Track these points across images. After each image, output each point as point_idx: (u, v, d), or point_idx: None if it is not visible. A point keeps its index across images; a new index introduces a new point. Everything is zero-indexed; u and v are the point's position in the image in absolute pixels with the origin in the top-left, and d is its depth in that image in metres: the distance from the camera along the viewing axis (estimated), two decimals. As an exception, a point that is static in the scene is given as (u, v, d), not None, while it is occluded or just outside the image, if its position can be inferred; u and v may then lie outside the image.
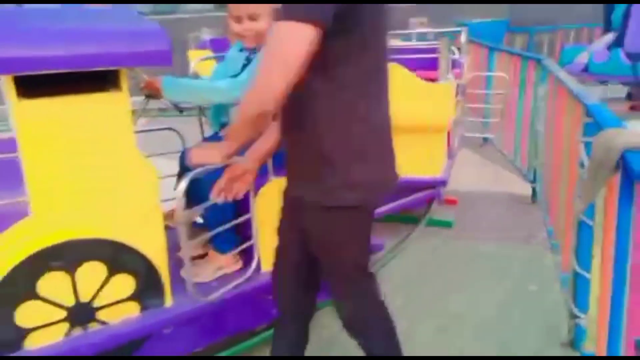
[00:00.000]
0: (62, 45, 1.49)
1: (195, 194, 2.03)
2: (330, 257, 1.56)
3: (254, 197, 1.94)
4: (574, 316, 2.02)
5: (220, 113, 2.22)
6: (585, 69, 4.88)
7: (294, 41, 1.19)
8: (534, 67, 4.00)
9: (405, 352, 1.74)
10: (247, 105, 1.29)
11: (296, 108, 1.38)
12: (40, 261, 1.57)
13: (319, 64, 1.26)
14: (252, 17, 1.95)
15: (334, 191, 1.40)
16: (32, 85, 1.51)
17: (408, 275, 2.91)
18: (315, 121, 1.37)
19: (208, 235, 1.97)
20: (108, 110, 1.61)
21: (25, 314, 1.58)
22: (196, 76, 2.86)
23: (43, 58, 1.45)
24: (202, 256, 2.14)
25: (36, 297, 1.59)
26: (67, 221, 1.61)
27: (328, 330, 2.34)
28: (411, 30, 5.52)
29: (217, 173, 1.66)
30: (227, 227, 1.93)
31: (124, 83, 1.61)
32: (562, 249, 2.50)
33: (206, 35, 7.30)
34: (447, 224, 3.48)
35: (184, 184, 1.67)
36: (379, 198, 1.51)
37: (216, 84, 1.98)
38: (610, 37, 4.93)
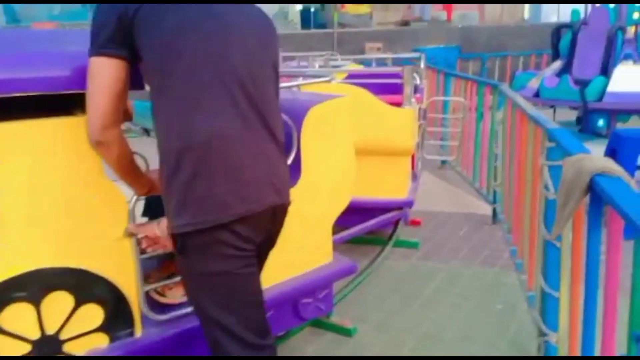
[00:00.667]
0: (28, 67, 1.44)
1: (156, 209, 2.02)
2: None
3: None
4: (543, 334, 2.07)
5: None
6: (537, 94, 5.11)
7: (90, 75, 1.31)
8: (490, 92, 4.17)
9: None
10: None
11: None
12: (2, 293, 1.48)
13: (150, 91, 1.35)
14: None
15: (171, 218, 1.35)
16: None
17: (379, 296, 2.92)
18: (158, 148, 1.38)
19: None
20: (75, 135, 1.54)
21: (-14, 350, 1.48)
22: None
23: (10, 80, 1.39)
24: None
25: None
26: (32, 250, 1.52)
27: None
28: (371, 56, 5.64)
29: None
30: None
31: None
32: (527, 268, 2.57)
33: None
34: (413, 245, 3.53)
35: (134, 198, 1.65)
36: (232, 215, 1.30)
37: None
38: (559, 64, 5.20)
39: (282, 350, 2.43)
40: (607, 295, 1.34)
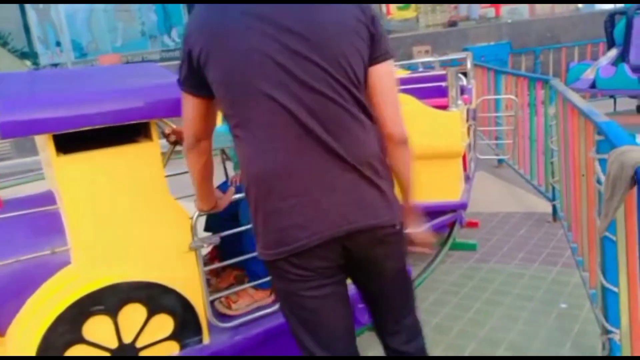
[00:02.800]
0: (97, 103, 1.60)
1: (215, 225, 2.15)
2: None
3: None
4: (607, 332, 2.02)
5: None
6: (593, 85, 4.93)
7: (183, 112, 1.44)
8: (542, 87, 4.07)
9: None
10: None
11: None
12: (84, 307, 1.64)
13: None
14: None
15: None
16: (69, 141, 1.61)
17: (438, 300, 2.93)
18: None
19: (223, 264, 2.09)
20: (141, 159, 1.71)
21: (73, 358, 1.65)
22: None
23: (81, 116, 1.56)
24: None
25: (83, 341, 1.65)
26: (108, 267, 1.69)
27: None
28: (417, 60, 5.64)
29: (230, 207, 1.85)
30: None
31: (154, 133, 1.72)
32: (588, 265, 2.51)
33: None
34: (471, 247, 3.50)
35: (196, 214, 1.78)
36: (280, 253, 1.35)
37: None
38: (614, 52, 4.99)
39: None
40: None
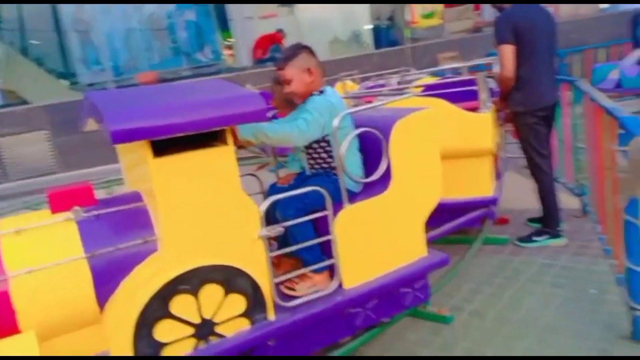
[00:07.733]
0: (187, 113, 1.88)
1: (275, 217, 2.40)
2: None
3: (332, 222, 2.27)
4: (632, 309, 2.20)
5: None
6: (618, 85, 5.05)
7: (505, 53, 3.36)
8: (568, 88, 4.25)
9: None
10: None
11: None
12: (171, 286, 1.93)
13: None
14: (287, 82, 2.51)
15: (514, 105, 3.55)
16: (160, 146, 1.91)
17: (473, 289, 3.12)
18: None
19: (286, 250, 2.28)
20: (220, 161, 1.99)
21: (162, 331, 1.93)
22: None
23: (175, 124, 1.85)
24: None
25: (170, 316, 1.93)
26: (190, 253, 1.97)
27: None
28: (445, 66, 5.85)
29: (292, 199, 2.16)
30: (315, 249, 2.27)
31: (229, 139, 2.00)
32: (616, 253, 2.68)
33: (251, 89, 7.87)
34: (503, 241, 3.69)
35: (264, 205, 2.07)
36: (533, 109, 3.42)
37: (280, 127, 2.31)
38: (638, 52, 5.11)
39: (385, 337, 2.73)
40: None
